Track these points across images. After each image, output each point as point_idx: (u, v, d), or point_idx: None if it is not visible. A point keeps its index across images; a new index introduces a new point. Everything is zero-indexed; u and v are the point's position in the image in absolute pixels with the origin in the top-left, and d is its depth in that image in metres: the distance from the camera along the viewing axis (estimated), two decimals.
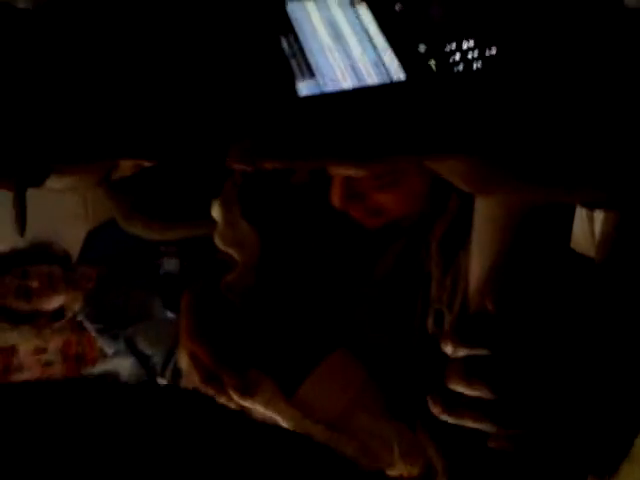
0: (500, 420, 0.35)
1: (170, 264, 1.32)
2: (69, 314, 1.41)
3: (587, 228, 0.53)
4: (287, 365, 0.70)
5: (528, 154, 0.28)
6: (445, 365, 0.38)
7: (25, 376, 2.23)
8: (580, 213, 0.53)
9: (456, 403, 0.37)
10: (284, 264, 0.73)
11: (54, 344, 2.28)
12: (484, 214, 0.37)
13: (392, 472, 0.67)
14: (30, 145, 0.63)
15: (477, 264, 0.38)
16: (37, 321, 1.39)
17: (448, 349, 0.37)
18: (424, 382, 0.64)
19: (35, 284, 1.33)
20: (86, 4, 0.67)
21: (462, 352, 0.37)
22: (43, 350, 2.27)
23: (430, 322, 0.64)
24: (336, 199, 0.61)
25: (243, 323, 0.73)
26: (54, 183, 0.66)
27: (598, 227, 0.47)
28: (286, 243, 0.73)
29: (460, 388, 0.36)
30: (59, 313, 1.41)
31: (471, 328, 0.37)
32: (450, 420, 0.37)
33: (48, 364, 2.23)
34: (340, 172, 0.57)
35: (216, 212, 0.79)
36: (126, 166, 0.73)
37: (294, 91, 0.26)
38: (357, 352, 0.70)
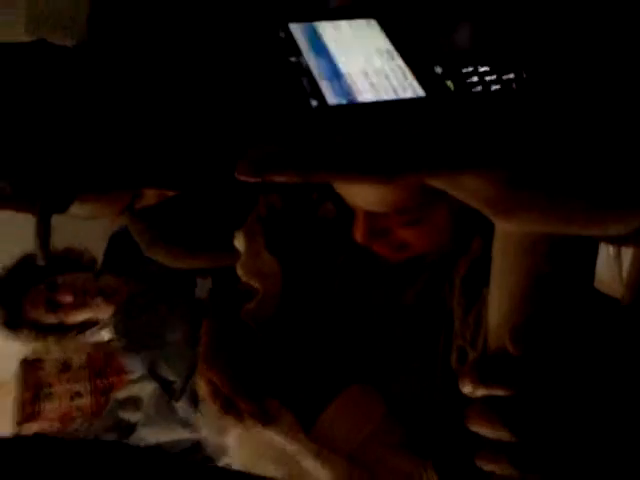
0: (520, 464, 0.34)
1: (203, 288, 1.28)
2: (96, 327, 1.35)
3: (614, 267, 0.51)
4: (306, 397, 0.69)
5: (555, 176, 0.27)
6: (469, 402, 0.36)
7: (54, 405, 2.27)
8: (607, 251, 0.52)
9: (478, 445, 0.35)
10: (306, 295, 0.73)
11: (83, 379, 2.32)
12: (504, 247, 0.35)
13: None
14: (55, 172, 0.64)
15: (496, 300, 0.37)
16: (64, 333, 1.30)
17: (466, 389, 0.36)
18: (447, 420, 0.63)
19: (68, 299, 1.25)
20: (120, 44, 0.70)
21: (480, 392, 0.35)
22: (68, 367, 2.32)
23: (454, 359, 0.63)
24: (359, 235, 0.60)
25: (262, 352, 0.73)
26: (78, 210, 0.67)
27: (626, 266, 0.45)
28: (308, 275, 0.73)
29: (480, 429, 0.35)
30: (86, 324, 1.33)
31: (490, 367, 0.35)
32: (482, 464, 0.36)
33: (78, 395, 2.27)
34: (357, 201, 0.56)
35: (239, 242, 0.79)
36: (150, 195, 0.74)
37: (306, 104, 0.26)
38: (378, 386, 0.69)
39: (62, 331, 1.29)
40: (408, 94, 0.26)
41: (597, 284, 0.40)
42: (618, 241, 0.31)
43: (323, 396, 0.69)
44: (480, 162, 0.26)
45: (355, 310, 0.71)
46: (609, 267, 0.49)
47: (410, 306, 0.67)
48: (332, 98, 0.26)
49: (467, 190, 0.28)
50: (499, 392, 0.34)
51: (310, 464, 0.67)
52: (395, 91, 0.27)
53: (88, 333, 1.33)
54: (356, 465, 0.66)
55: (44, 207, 0.67)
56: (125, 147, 0.66)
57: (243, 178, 0.27)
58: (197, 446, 1.15)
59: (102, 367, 2.28)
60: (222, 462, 1.10)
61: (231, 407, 0.70)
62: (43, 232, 0.72)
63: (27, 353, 2.33)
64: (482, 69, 0.27)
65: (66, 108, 0.64)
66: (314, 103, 0.26)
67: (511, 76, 0.27)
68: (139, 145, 0.67)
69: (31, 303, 1.26)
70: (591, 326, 0.35)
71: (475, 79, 0.26)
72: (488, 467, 0.36)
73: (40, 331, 1.27)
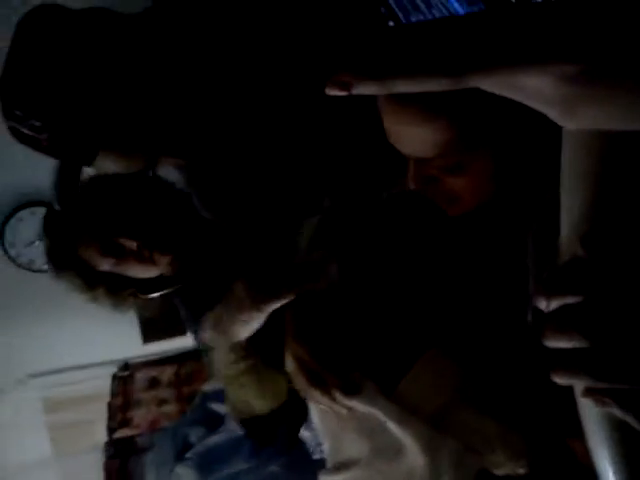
0: (594, 372, 0.34)
1: None
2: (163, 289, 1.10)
3: None
4: (386, 364, 0.72)
5: (614, 69, 0.28)
6: (547, 360, 0.36)
7: (142, 412, 2.39)
8: None
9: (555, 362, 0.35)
10: (384, 267, 0.76)
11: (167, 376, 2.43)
12: (571, 153, 0.36)
13: (499, 471, 0.66)
14: (85, 129, 0.76)
15: (567, 211, 0.38)
16: (119, 288, 1.06)
17: (542, 304, 0.36)
18: (526, 379, 0.64)
19: (132, 245, 1.02)
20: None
21: (554, 303, 0.35)
22: (157, 383, 2.43)
23: (530, 317, 0.64)
24: (410, 181, 0.65)
25: (343, 328, 0.76)
26: (102, 164, 0.80)
27: None
28: (385, 247, 0.76)
29: (555, 341, 0.35)
30: (150, 283, 1.08)
31: (562, 277, 0.35)
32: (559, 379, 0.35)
33: (164, 402, 2.38)
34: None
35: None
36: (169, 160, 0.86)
37: (384, 24, 0.30)
38: (456, 349, 0.71)
39: (117, 285, 1.07)
40: (471, 9, 0.30)
41: None
42: None
43: (403, 362, 0.72)
44: (538, 57, 0.29)
45: (430, 274, 0.73)
46: None
47: (485, 268, 0.69)
48: (406, 20, 0.30)
49: (528, 90, 0.30)
50: (571, 299, 0.34)
51: (394, 429, 0.70)
52: (460, 8, 0.30)
53: (153, 295, 1.10)
54: (438, 428, 0.68)
55: (73, 157, 0.78)
56: (145, 115, 0.77)
57: (333, 93, 0.31)
58: None
59: (188, 378, 2.39)
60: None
61: (317, 380, 0.74)
62: (67, 180, 0.83)
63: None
64: None
65: (101, 76, 0.75)
66: (391, 23, 0.30)
67: None
68: (158, 114, 0.78)
69: (85, 239, 1.02)
70: None
71: None
72: (564, 380, 0.35)
73: (88, 278, 1.04)
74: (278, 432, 1.04)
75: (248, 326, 0.80)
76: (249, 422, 0.98)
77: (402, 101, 0.57)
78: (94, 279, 1.04)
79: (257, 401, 0.92)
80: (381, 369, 0.73)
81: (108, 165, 0.81)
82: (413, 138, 0.60)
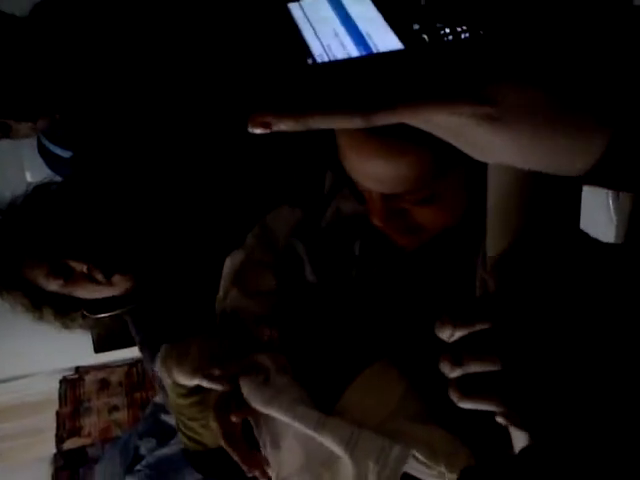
0: (508, 399, 0.35)
1: None
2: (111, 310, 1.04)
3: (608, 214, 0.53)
4: (331, 375, 0.73)
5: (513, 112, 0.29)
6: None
7: (93, 420, 2.34)
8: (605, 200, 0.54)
9: (470, 387, 0.36)
10: (329, 279, 0.77)
11: (117, 378, 2.38)
12: (495, 181, 0.37)
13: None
14: None
15: (490, 241, 0.39)
16: (66, 310, 0.99)
17: (445, 334, 0.37)
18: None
19: (81, 267, 0.94)
20: None
21: (459, 333, 0.36)
22: (107, 385, 2.38)
23: None
24: (377, 218, 0.61)
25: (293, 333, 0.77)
26: None
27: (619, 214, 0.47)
28: (330, 259, 0.77)
29: (469, 367, 0.36)
30: (99, 304, 1.01)
31: (471, 306, 0.36)
32: (467, 405, 0.37)
33: (115, 409, 2.34)
34: (347, 141, 0.56)
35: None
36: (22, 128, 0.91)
37: (303, 62, 0.30)
38: (400, 363, 0.72)
39: (64, 306, 0.99)
40: (388, 48, 0.31)
41: (593, 230, 0.41)
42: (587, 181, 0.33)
43: (349, 372, 0.72)
44: (446, 96, 0.30)
45: (374, 288, 0.74)
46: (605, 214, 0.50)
47: (430, 285, 0.70)
48: (324, 58, 0.31)
49: (440, 126, 0.31)
50: (479, 327, 0.35)
51: (314, 435, 0.68)
52: (376, 47, 0.31)
53: (102, 316, 1.03)
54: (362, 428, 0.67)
55: None
56: None
57: (256, 132, 0.31)
58: None
59: (139, 381, 2.35)
60: None
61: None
62: None
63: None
64: (454, 25, 0.31)
65: None
66: (309, 61, 0.31)
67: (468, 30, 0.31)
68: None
69: (32, 259, 0.94)
70: (578, 264, 0.35)
71: (447, 31, 0.31)
72: (472, 404, 0.36)
73: (35, 298, 0.97)
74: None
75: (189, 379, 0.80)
76: (196, 456, 0.94)
77: (368, 134, 0.52)
78: (41, 299, 0.97)
79: (204, 431, 0.90)
80: (326, 377, 0.73)
81: None
82: (383, 174, 0.55)
